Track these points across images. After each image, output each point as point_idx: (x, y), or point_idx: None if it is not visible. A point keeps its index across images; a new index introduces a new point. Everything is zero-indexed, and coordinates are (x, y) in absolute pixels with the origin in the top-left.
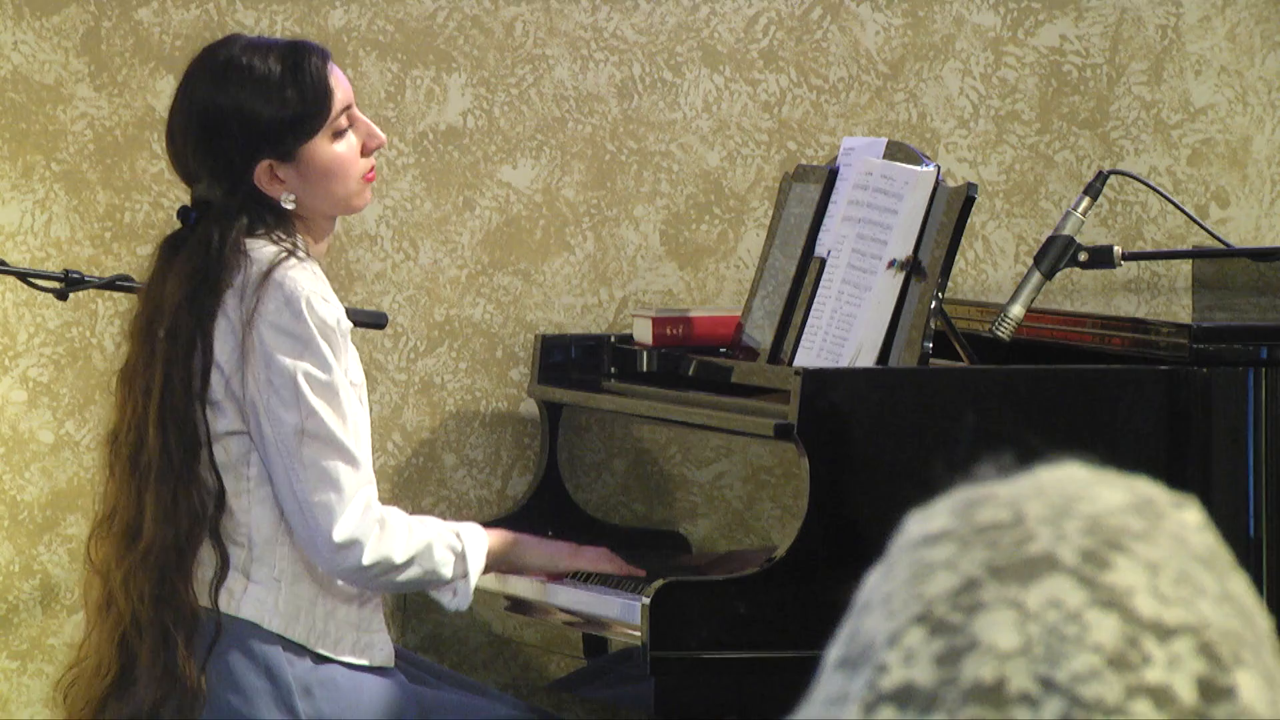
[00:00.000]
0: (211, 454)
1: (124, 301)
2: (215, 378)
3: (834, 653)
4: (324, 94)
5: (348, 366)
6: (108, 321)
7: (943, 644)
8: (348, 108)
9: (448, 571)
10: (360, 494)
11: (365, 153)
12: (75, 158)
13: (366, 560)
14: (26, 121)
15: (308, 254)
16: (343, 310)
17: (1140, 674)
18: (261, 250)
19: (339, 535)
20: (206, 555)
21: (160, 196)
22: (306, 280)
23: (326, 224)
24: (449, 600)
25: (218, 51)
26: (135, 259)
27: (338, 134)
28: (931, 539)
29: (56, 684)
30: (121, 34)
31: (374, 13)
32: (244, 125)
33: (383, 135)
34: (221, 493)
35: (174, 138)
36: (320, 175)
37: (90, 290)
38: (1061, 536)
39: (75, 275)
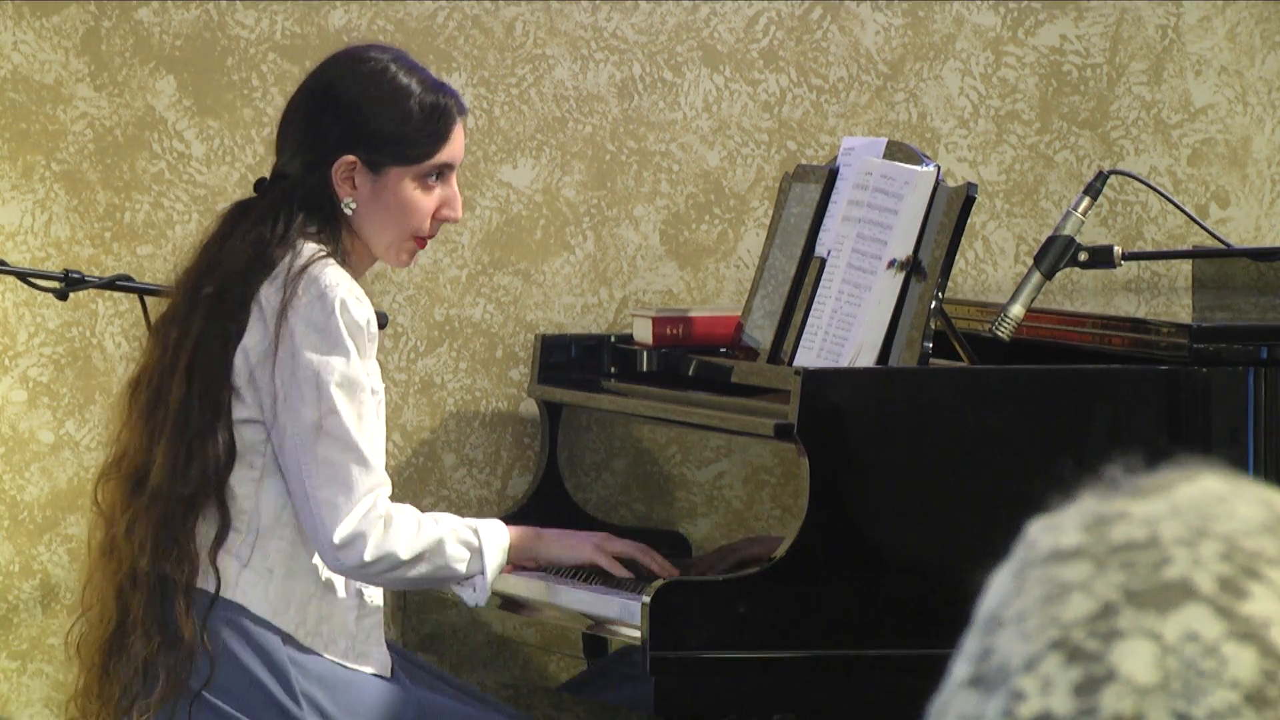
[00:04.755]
0: (230, 417)
1: (124, 301)
2: (240, 360)
3: (963, 668)
4: (441, 134)
5: (370, 371)
6: (108, 321)
7: (1080, 672)
8: (449, 165)
9: (462, 568)
10: (369, 495)
11: (435, 218)
12: (75, 158)
13: (369, 556)
14: (26, 121)
15: (344, 261)
16: (374, 313)
17: (1278, 711)
18: (304, 245)
19: (340, 534)
20: (210, 519)
21: (160, 196)
22: (341, 279)
23: (363, 261)
24: (469, 596)
25: (371, 50)
26: (135, 259)
27: (426, 181)
28: (1064, 556)
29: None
30: (121, 34)
31: (374, 13)
32: (354, 118)
33: (460, 213)
34: (232, 457)
35: (291, 103)
36: (388, 204)
37: (90, 290)
38: (1198, 561)
39: (75, 275)
